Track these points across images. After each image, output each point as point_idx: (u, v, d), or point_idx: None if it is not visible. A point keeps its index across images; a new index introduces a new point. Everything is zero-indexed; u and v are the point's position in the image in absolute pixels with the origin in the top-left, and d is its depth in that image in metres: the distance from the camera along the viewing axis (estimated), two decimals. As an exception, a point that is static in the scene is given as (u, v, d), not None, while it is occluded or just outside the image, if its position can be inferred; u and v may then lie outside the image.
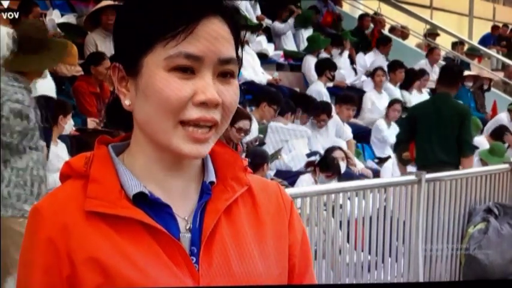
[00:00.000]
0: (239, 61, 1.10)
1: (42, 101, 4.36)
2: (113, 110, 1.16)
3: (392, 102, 7.87)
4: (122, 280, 1.04)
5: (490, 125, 8.44)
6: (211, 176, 1.14)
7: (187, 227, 1.10)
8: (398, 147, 5.85)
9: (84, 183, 1.09)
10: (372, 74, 8.67)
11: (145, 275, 1.05)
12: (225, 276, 1.09)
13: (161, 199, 1.09)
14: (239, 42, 1.10)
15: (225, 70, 1.07)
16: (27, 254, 1.09)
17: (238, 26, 1.10)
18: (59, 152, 4.74)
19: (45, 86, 4.59)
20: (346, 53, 9.60)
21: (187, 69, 1.04)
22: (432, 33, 11.52)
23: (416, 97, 9.07)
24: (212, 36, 1.05)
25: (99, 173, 1.10)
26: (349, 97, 7.63)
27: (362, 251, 4.35)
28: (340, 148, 6.40)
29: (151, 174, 1.11)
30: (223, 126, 1.09)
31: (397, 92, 8.89)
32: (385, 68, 9.28)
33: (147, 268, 1.05)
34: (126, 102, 1.09)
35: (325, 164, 5.61)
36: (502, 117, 8.58)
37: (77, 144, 5.13)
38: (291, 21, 9.47)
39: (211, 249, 1.09)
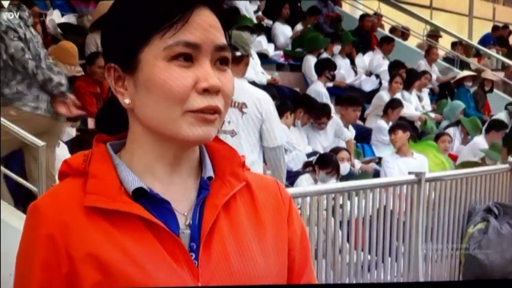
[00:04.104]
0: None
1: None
2: (105, 116, 1.18)
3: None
4: (121, 277, 1.04)
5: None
6: (209, 172, 1.14)
7: (187, 223, 1.10)
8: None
9: (83, 181, 1.09)
10: (390, 79, 8.56)
11: (144, 271, 1.05)
12: (225, 272, 1.09)
13: (160, 195, 1.10)
14: (227, 33, 1.12)
15: (221, 56, 1.08)
16: (26, 250, 1.09)
17: (226, 16, 1.11)
18: (61, 152, 4.75)
19: None
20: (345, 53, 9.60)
21: (187, 57, 1.05)
22: (434, 34, 11.49)
23: (415, 97, 9.07)
24: (206, 24, 1.06)
25: (98, 169, 1.10)
26: (355, 98, 7.60)
27: (362, 250, 4.36)
28: (345, 149, 6.41)
29: (150, 171, 1.11)
30: (224, 115, 1.09)
31: (406, 95, 8.85)
32: (386, 68, 9.27)
33: (146, 264, 1.05)
34: (125, 101, 1.09)
35: (324, 161, 5.63)
36: (501, 116, 8.58)
37: (77, 144, 5.14)
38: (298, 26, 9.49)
39: (210, 245, 1.09)
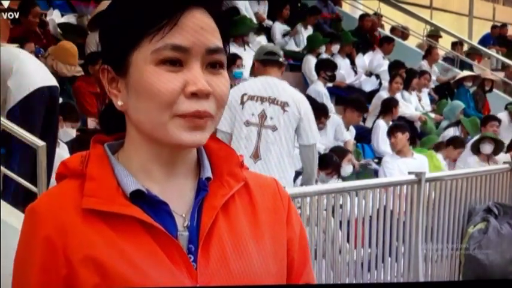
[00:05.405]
0: (227, 53, 1.10)
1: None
2: (107, 116, 1.17)
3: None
4: (119, 279, 1.04)
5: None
6: (208, 172, 1.13)
7: (185, 225, 1.10)
8: None
9: (80, 182, 1.09)
10: (390, 79, 8.55)
11: (142, 274, 1.05)
12: (223, 274, 1.08)
13: (158, 196, 1.09)
14: (226, 34, 1.10)
15: (214, 60, 1.07)
16: (24, 253, 1.08)
17: (223, 17, 1.10)
18: (61, 153, 4.75)
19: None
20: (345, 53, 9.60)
21: (175, 61, 1.04)
22: (434, 34, 11.48)
23: (415, 97, 9.06)
24: (197, 27, 1.05)
25: (96, 171, 1.09)
26: (364, 106, 7.57)
27: (362, 246, 4.35)
28: (349, 150, 6.40)
29: (148, 172, 1.10)
30: (218, 118, 1.08)
31: (406, 95, 8.83)
32: (386, 68, 9.27)
33: (144, 267, 1.05)
34: (118, 103, 1.09)
35: (324, 162, 5.62)
36: (502, 116, 8.57)
37: (77, 144, 5.14)
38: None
39: (209, 247, 1.09)
